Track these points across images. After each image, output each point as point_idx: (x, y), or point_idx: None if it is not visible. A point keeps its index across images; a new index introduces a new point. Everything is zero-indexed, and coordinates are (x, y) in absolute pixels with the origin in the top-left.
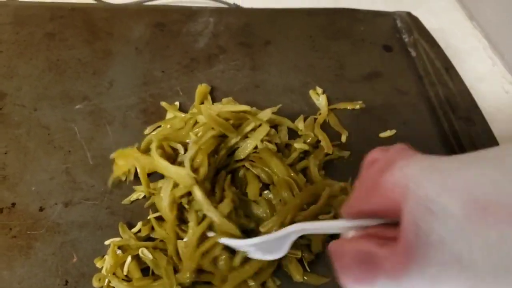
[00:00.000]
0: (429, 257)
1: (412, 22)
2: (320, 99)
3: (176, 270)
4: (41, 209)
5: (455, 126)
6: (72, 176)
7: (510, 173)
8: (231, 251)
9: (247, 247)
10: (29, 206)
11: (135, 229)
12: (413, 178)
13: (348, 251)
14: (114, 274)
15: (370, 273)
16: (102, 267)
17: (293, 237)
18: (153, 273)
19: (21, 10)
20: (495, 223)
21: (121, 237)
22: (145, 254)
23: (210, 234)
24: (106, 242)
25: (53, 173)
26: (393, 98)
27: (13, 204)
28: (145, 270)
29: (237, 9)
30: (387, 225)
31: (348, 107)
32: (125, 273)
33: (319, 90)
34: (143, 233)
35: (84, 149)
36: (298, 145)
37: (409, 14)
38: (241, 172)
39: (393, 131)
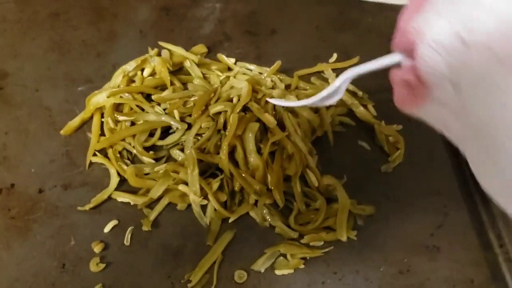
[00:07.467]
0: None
1: None
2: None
3: None
4: (40, 191)
5: None
6: (73, 159)
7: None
8: None
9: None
10: (28, 187)
11: None
12: (428, 22)
13: (396, 80)
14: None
15: (410, 99)
16: (100, 252)
17: (348, 81)
18: None
19: None
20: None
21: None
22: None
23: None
24: (106, 230)
25: (53, 156)
26: None
27: (12, 185)
28: None
29: None
30: None
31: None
32: None
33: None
34: None
35: (85, 132)
36: None
37: None
38: None
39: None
